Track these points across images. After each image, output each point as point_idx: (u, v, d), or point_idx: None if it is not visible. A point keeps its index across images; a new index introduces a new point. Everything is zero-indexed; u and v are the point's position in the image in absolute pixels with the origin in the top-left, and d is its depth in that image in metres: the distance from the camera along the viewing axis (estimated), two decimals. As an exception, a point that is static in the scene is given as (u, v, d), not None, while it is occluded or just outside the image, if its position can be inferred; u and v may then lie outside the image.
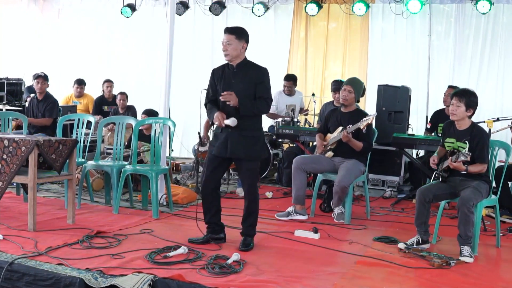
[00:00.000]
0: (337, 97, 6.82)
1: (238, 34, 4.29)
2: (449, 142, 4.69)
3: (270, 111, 8.22)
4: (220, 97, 4.26)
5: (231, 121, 4.22)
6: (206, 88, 4.56)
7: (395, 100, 7.05)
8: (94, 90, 9.40)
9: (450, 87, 6.97)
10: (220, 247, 4.39)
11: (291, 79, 8.26)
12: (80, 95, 9.20)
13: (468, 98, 4.50)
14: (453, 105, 4.55)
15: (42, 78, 7.19)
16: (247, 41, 4.34)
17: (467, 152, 4.37)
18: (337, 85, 6.94)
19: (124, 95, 8.27)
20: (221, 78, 4.38)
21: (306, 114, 8.22)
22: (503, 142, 4.92)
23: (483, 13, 7.92)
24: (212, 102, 4.44)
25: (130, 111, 8.22)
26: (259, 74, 4.33)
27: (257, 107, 4.30)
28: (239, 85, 4.28)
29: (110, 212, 5.49)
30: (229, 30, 4.30)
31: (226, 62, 4.41)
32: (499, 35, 8.20)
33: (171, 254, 4.08)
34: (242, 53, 4.34)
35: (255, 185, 4.46)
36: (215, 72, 4.47)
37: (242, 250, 4.28)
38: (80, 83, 9.15)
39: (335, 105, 6.92)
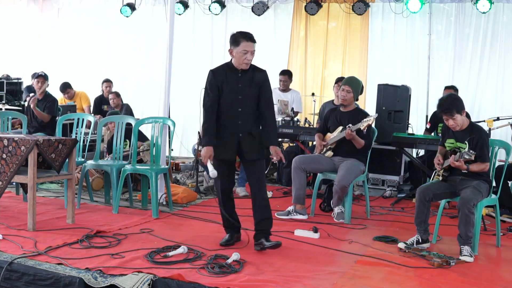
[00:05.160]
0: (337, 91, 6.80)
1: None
2: (449, 143, 4.67)
3: None
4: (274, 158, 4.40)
5: (211, 173, 4.36)
6: (205, 87, 4.41)
7: (395, 99, 7.05)
8: (93, 90, 9.39)
9: (446, 88, 6.96)
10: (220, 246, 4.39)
11: (286, 74, 8.18)
12: (71, 98, 9.13)
13: (457, 107, 4.44)
14: (448, 121, 4.49)
15: (43, 78, 7.09)
16: None
17: (471, 151, 4.35)
18: (340, 79, 6.92)
19: (113, 94, 8.10)
20: (225, 81, 4.31)
21: (296, 114, 8.08)
22: (503, 141, 4.90)
23: (483, 12, 7.91)
24: (212, 117, 4.33)
25: (124, 109, 8.08)
26: (263, 77, 4.39)
27: (275, 127, 4.49)
28: (246, 90, 4.31)
29: (110, 211, 5.49)
30: (253, 39, 4.26)
31: (225, 63, 4.36)
32: (499, 34, 8.19)
33: (170, 253, 4.08)
34: None
35: (265, 180, 4.54)
36: (217, 74, 4.33)
37: (267, 247, 4.28)
38: (64, 89, 9.03)
39: (334, 104, 6.91)
